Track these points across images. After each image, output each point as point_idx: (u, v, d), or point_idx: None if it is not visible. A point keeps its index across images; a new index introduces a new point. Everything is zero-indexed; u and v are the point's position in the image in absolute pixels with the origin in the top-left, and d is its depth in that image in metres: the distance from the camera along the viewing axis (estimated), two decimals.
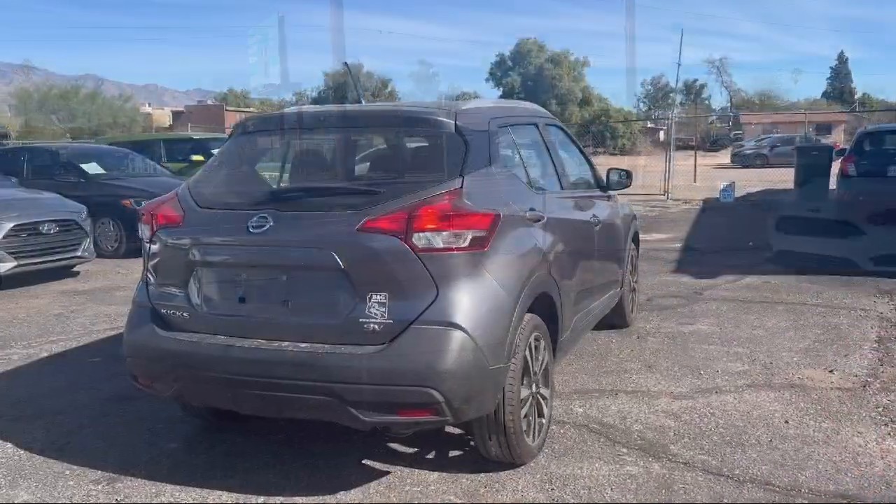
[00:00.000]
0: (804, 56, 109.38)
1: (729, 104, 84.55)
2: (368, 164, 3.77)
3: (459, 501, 3.29)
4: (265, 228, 3.23)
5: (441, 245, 3.07)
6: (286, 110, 4.01)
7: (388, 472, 3.58)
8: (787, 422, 4.10)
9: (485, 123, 3.60)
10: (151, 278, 3.59)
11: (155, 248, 3.55)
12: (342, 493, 3.39)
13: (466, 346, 3.03)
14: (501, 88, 68.53)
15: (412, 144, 3.60)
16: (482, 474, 3.53)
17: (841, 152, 14.73)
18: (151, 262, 3.58)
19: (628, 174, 5.40)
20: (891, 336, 5.76)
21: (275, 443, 3.94)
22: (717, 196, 17.82)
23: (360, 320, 3.08)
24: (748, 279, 8.21)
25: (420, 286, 3.06)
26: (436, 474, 3.54)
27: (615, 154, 54.99)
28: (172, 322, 3.46)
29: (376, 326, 3.07)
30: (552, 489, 3.37)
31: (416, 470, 3.59)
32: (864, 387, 4.64)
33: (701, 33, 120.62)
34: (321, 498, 3.35)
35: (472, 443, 3.80)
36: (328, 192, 3.41)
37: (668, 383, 4.78)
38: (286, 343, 3.18)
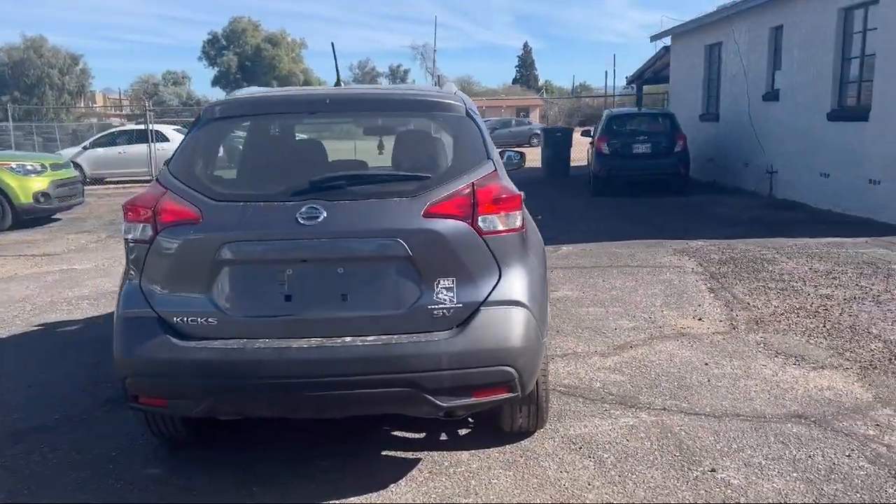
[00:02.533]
0: (494, 45, 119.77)
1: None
2: (392, 148, 3.62)
3: (510, 472, 3.41)
4: (319, 219, 3.02)
5: (501, 227, 3.15)
6: (285, 92, 3.70)
7: (418, 459, 3.58)
8: (706, 364, 4.79)
9: (474, 107, 3.69)
10: (153, 284, 3.15)
11: (161, 249, 3.12)
12: (392, 486, 3.34)
13: (530, 323, 3.16)
14: (217, 68, 65.52)
15: (431, 129, 3.54)
16: (507, 446, 3.67)
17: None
18: (154, 266, 3.14)
19: (521, 155, 5.75)
20: (717, 287, 6.86)
21: (281, 454, 3.70)
22: None
23: (429, 307, 3.05)
24: (565, 248, 9.08)
25: (485, 268, 3.11)
26: (466, 453, 3.62)
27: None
28: (192, 331, 3.08)
29: (445, 311, 3.06)
30: (582, 447, 3.64)
31: (443, 452, 3.64)
32: (734, 329, 5.54)
33: (405, 20, 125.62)
34: (376, 496, 3.26)
35: (471, 421, 3.93)
36: (375, 178, 3.26)
37: (586, 344, 5.27)
38: (349, 338, 3.02)
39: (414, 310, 3.05)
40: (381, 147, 3.71)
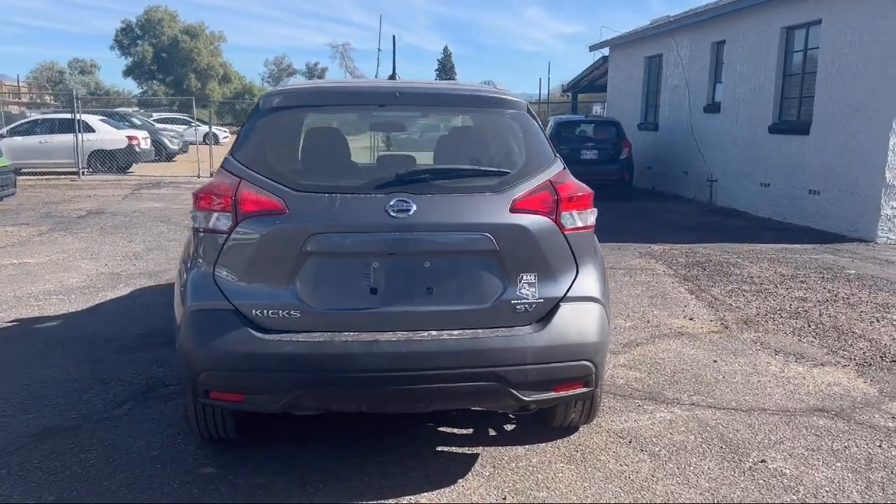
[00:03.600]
0: (415, 47, 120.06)
1: None
2: (460, 144, 3.59)
3: (571, 466, 3.46)
4: (410, 212, 2.99)
5: (579, 224, 3.21)
6: (347, 84, 3.62)
7: (475, 454, 3.58)
8: (715, 361, 4.99)
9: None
10: (229, 275, 3.03)
11: (241, 239, 3.01)
12: (461, 480, 3.33)
13: (604, 318, 3.23)
14: (130, 58, 63.03)
15: (500, 125, 3.52)
16: (557, 441, 3.72)
17: None
18: (231, 257, 3.02)
19: None
20: (695, 289, 7.13)
21: (334, 450, 3.63)
22: None
23: (512, 302, 3.08)
24: None
25: (565, 264, 3.16)
26: (520, 448, 3.65)
27: None
28: (272, 324, 2.99)
29: (527, 307, 3.09)
30: (631, 441, 3.73)
31: (497, 447, 3.65)
32: (727, 329, 5.78)
33: (324, 19, 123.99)
34: (448, 491, 3.25)
35: (512, 417, 3.97)
36: (460, 172, 3.23)
37: None
38: (434, 332, 3.01)
39: (497, 304, 3.06)
40: (454, 140, 3.64)
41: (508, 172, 3.21)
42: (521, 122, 3.45)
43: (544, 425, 3.80)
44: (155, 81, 61.41)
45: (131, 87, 66.29)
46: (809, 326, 5.79)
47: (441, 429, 3.85)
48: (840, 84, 10.45)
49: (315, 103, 3.46)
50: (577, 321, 3.13)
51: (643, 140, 16.82)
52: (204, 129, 30.23)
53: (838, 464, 3.51)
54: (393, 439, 3.70)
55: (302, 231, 2.98)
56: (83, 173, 18.35)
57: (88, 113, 20.66)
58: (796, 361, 4.99)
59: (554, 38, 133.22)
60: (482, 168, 3.24)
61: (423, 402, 3.08)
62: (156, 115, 34.75)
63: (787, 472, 3.42)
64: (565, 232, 3.15)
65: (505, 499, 3.18)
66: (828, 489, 3.28)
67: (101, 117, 20.99)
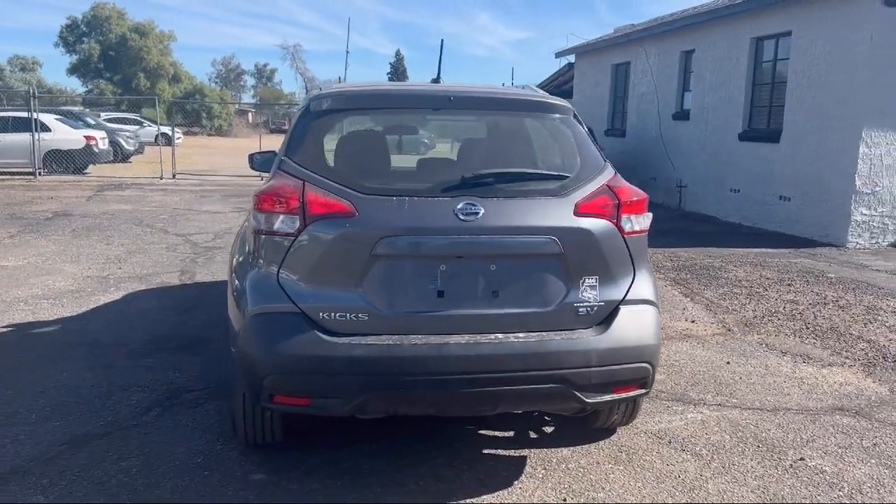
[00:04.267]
0: (366, 50, 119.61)
1: (305, 90, 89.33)
2: (512, 148, 3.59)
3: (620, 467, 3.51)
4: (479, 216, 3.00)
5: (637, 228, 3.26)
6: (405, 87, 3.61)
7: (523, 457, 3.60)
8: (728, 363, 5.11)
9: None
10: (294, 278, 2.99)
11: (309, 242, 2.97)
12: (517, 482, 3.35)
13: (658, 321, 3.29)
14: (76, 56, 61.23)
15: (551, 129, 3.54)
16: (599, 443, 3.77)
17: None
18: (297, 260, 2.98)
19: None
20: (688, 292, 7.28)
21: (382, 454, 3.60)
22: None
23: (575, 305, 3.11)
24: None
25: (623, 267, 3.21)
26: (565, 450, 3.68)
27: (213, 135, 53.64)
28: (339, 327, 2.96)
29: (589, 309, 3.13)
30: (671, 442, 3.80)
31: (542, 450, 3.68)
32: (730, 331, 5.92)
33: (273, 20, 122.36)
34: (506, 493, 3.27)
35: (548, 419, 4.00)
36: (523, 176, 3.24)
37: None
38: (501, 335, 3.02)
39: (561, 307, 3.09)
40: (506, 144, 3.64)
41: (568, 176, 3.25)
42: (571, 127, 3.49)
43: (581, 427, 3.84)
44: (102, 80, 59.76)
45: (75, 85, 64.46)
46: (808, 328, 5.97)
47: (481, 431, 3.86)
48: (810, 94, 10.81)
49: (369, 106, 3.45)
50: (636, 324, 3.18)
51: (610, 146, 17.06)
52: (153, 129, 29.59)
53: (872, 461, 3.64)
54: (436, 442, 3.69)
55: (372, 234, 2.96)
56: (39, 174, 17.77)
57: (43, 112, 20.01)
58: (804, 362, 5.14)
59: (504, 43, 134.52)
60: (545, 172, 3.27)
61: (490, 404, 3.09)
62: (104, 115, 33.79)
63: (827, 469, 3.53)
64: (625, 235, 3.20)
65: (565, 500, 3.20)
66: (869, 485, 3.39)
67: (58, 116, 20.35)
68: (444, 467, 3.46)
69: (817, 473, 3.49)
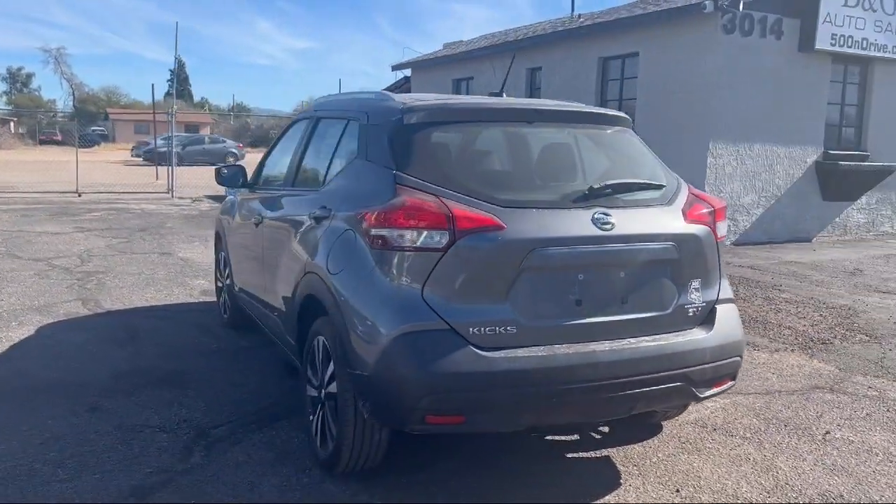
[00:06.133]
0: (135, 55, 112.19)
1: (72, 97, 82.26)
2: (604, 158, 3.67)
3: (699, 458, 3.77)
4: (614, 225, 3.11)
5: (722, 233, 3.55)
6: (489, 101, 3.58)
7: (607, 456, 3.75)
8: None
9: None
10: (441, 294, 2.91)
11: (458, 257, 2.90)
12: (622, 481, 3.48)
13: (740, 318, 3.59)
14: None
15: (626, 141, 3.68)
16: (659, 436, 4.01)
17: None
18: (445, 275, 2.90)
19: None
20: None
21: (469, 469, 3.57)
22: (225, 193, 18.12)
23: (685, 306, 3.32)
24: None
25: (715, 269, 3.47)
26: (637, 447, 3.88)
27: None
28: (489, 341, 2.92)
29: (695, 310, 3.36)
30: (714, 429, 4.12)
31: (616, 449, 3.84)
32: None
33: (31, 21, 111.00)
34: (613, 496, 3.39)
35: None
36: (637, 186, 3.35)
37: None
38: (632, 339, 3.15)
39: (676, 309, 3.29)
40: (590, 155, 3.75)
41: (664, 185, 3.46)
42: (637, 139, 3.72)
43: (625, 425, 4.02)
44: None
45: None
46: None
47: (547, 438, 3.95)
48: (658, 110, 11.97)
49: (466, 119, 3.45)
50: (730, 321, 3.46)
51: None
52: None
53: (878, 427, 4.21)
54: (520, 455, 3.73)
55: (522, 246, 2.97)
56: None
57: None
58: (756, 349, 5.76)
59: (287, 52, 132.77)
60: (649, 182, 3.44)
61: (628, 406, 3.20)
62: None
63: (853, 439, 4.04)
64: (717, 240, 3.47)
65: (678, 491, 3.40)
66: (892, 448, 3.93)
67: None
68: (540, 474, 3.52)
69: (847, 443, 3.98)
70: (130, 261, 9.07)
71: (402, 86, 20.80)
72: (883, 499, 3.38)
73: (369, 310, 3.02)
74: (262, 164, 5.31)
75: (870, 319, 6.78)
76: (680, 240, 3.28)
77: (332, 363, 3.30)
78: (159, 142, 42.16)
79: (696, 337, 3.29)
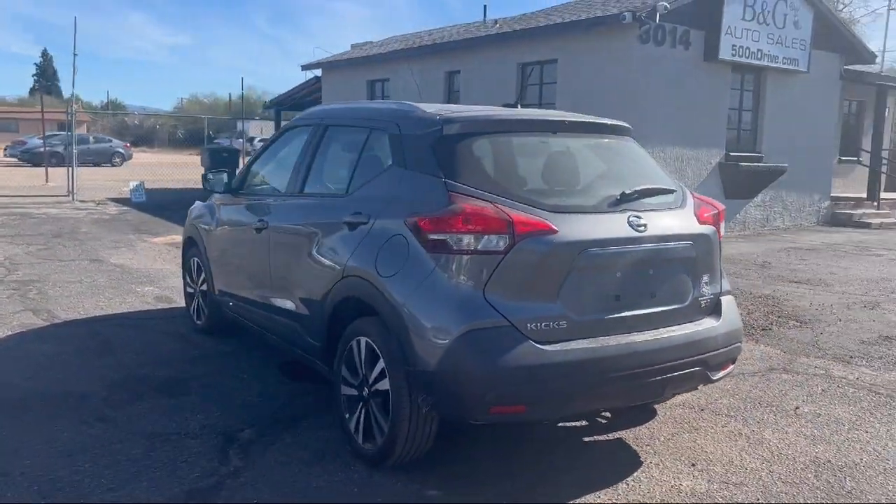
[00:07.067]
0: (5, 52, 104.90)
1: None
2: (623, 165, 3.95)
3: (699, 433, 4.17)
4: (647, 227, 3.43)
5: (723, 232, 3.95)
6: (527, 112, 3.80)
7: (620, 438, 4.08)
8: None
9: None
10: (501, 293, 3.14)
11: (517, 259, 3.15)
12: (643, 459, 3.82)
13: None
14: None
15: (634, 150, 4.03)
16: (658, 418, 4.38)
17: None
18: (505, 276, 3.13)
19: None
20: None
21: (499, 460, 3.81)
22: (129, 196, 17.47)
23: (699, 299, 3.70)
24: None
25: (718, 265, 3.87)
26: (643, 428, 4.23)
27: None
28: (543, 335, 3.18)
29: (706, 302, 3.75)
30: (703, 409, 4.55)
31: (625, 433, 4.18)
32: None
33: None
34: (651, 470, 3.73)
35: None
36: (655, 191, 3.67)
37: None
38: (662, 330, 3.49)
39: (692, 302, 3.67)
40: (605, 163, 4.06)
41: (674, 190, 3.82)
42: (639, 147, 4.09)
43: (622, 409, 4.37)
44: None
45: None
46: None
47: (560, 425, 4.24)
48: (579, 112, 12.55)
49: (502, 129, 3.69)
50: (732, 311, 3.87)
51: None
52: None
53: (838, 401, 4.77)
54: (537, 444, 3.98)
55: (573, 248, 3.24)
56: None
57: None
58: None
59: (161, 47, 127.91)
60: (665, 186, 3.80)
61: (661, 390, 3.56)
62: None
63: (819, 412, 4.56)
64: (720, 239, 3.87)
65: (694, 465, 3.77)
66: (856, 418, 4.47)
67: None
68: (572, 458, 3.81)
69: (817, 416, 4.49)
70: (61, 268, 8.70)
71: (313, 85, 20.66)
72: (863, 461, 3.88)
73: (432, 310, 3.21)
74: (247, 170, 5.32)
75: (794, 307, 7.51)
76: (696, 239, 3.66)
77: (380, 362, 3.45)
78: (37, 141, 39.79)
79: (709, 326, 3.67)
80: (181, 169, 22.90)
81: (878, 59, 19.03)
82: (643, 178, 3.85)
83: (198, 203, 6.22)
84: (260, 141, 40.84)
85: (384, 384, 3.44)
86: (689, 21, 12.32)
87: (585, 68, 12.47)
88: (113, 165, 36.18)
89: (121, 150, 37.81)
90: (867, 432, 4.27)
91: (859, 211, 15.90)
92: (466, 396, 3.13)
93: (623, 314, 3.41)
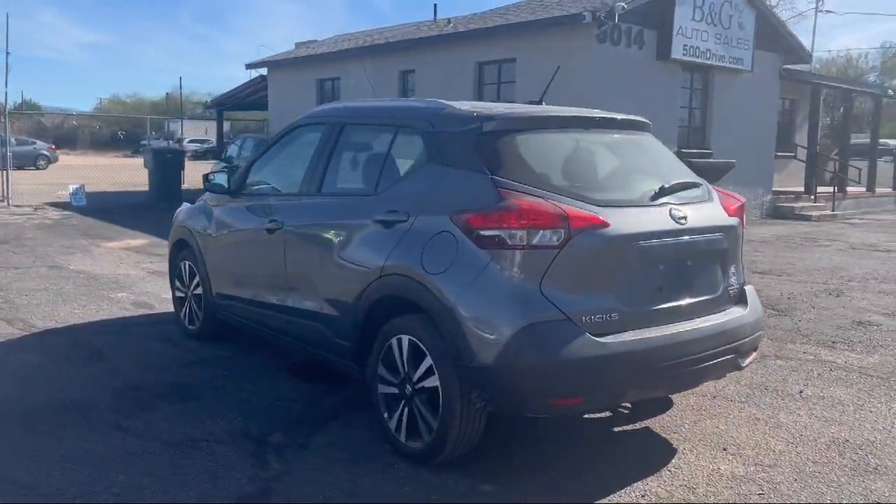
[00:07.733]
0: None
1: None
2: (642, 161, 4.00)
3: (717, 420, 4.29)
4: (688, 220, 3.51)
5: (745, 225, 4.08)
6: (560, 109, 3.82)
7: (647, 427, 4.17)
8: None
9: None
10: (557, 287, 3.17)
11: (573, 253, 3.18)
12: (678, 447, 3.91)
13: None
14: None
15: (657, 145, 4.11)
16: (676, 406, 4.50)
17: None
18: (561, 270, 3.17)
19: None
20: None
21: (527, 458, 3.85)
22: (68, 200, 16.79)
23: (728, 289, 3.82)
24: None
25: (740, 257, 4.00)
26: (665, 416, 4.33)
27: None
28: (598, 328, 3.22)
29: (733, 292, 3.87)
30: (715, 397, 4.69)
31: (649, 422, 4.28)
32: None
33: None
34: (686, 455, 3.82)
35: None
36: (688, 185, 3.75)
37: None
38: (699, 319, 3.59)
39: (723, 291, 3.78)
40: (631, 158, 4.13)
41: (700, 184, 3.93)
42: (653, 139, 4.19)
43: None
44: None
45: None
46: None
47: (586, 418, 4.30)
48: None
49: (538, 126, 3.72)
50: (754, 300, 4.00)
51: None
52: None
53: (835, 383, 4.98)
54: (565, 439, 4.03)
55: (625, 241, 3.30)
56: None
57: None
58: None
59: (75, 46, 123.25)
60: (696, 180, 3.89)
61: (701, 377, 3.66)
62: None
63: (822, 395, 4.76)
64: (742, 231, 4.00)
65: (725, 450, 3.88)
66: (858, 399, 4.68)
67: None
68: (602, 448, 3.87)
69: (822, 399, 4.69)
70: (20, 276, 8.31)
71: (259, 83, 20.28)
72: (878, 439, 4.06)
73: (489, 305, 3.21)
74: (248, 171, 5.19)
75: (767, 297, 7.78)
76: (727, 230, 3.77)
77: (426, 359, 3.43)
78: None
79: (738, 314, 3.79)
80: (118, 171, 22.09)
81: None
82: (672, 172, 3.94)
83: (185, 205, 6.04)
84: (190, 142, 39.94)
85: (431, 381, 3.42)
86: (644, 21, 12.63)
87: (543, 67, 12.59)
88: (38, 168, 34.61)
89: (45, 152, 36.27)
90: (871, 412, 4.48)
91: (799, 204, 16.61)
92: (527, 390, 3.15)
93: (666, 305, 3.49)
